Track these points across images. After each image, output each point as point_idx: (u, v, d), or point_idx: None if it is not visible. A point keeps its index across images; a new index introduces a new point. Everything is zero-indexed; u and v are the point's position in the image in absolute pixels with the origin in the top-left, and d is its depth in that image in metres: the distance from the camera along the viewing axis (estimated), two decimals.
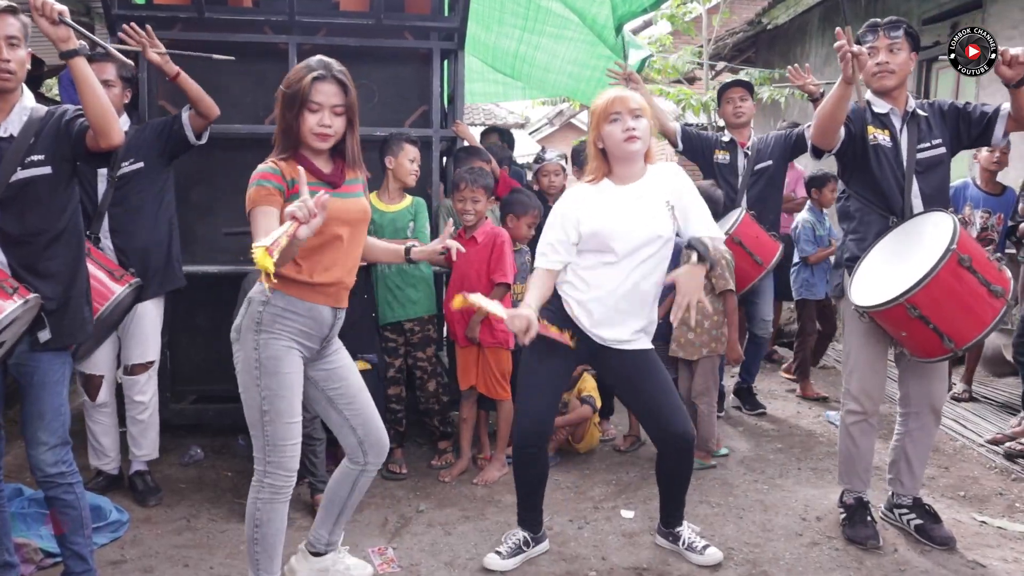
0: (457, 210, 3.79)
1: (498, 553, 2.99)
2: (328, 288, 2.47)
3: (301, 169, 2.30)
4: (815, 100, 4.29)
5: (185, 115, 3.45)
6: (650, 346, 2.94)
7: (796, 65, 4.47)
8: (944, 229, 2.82)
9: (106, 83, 3.29)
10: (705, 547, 3.02)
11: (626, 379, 2.97)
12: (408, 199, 3.87)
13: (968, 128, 3.08)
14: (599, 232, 2.79)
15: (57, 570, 2.77)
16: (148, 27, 3.40)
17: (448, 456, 3.98)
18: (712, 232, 2.84)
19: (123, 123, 3.43)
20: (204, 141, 3.54)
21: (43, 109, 2.50)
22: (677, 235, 2.87)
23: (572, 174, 4.39)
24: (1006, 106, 3.01)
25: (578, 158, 4.28)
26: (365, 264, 3.73)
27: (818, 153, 3.12)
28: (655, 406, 2.91)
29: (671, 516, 3.10)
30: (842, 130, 3.01)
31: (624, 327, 2.87)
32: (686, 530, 3.09)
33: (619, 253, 2.80)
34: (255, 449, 2.49)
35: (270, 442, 2.45)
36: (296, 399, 2.48)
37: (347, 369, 2.67)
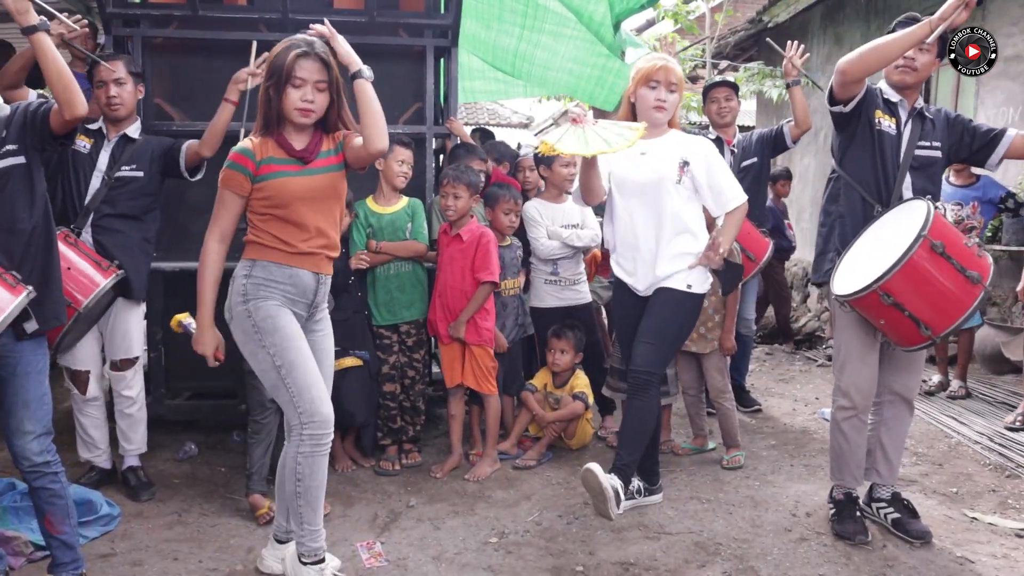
0: (442, 206, 3.80)
1: None
2: (309, 255, 2.58)
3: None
4: (789, 87, 4.38)
5: (183, 146, 3.48)
6: (678, 286, 3.14)
7: (793, 43, 4.41)
8: (917, 215, 2.81)
9: (118, 81, 3.36)
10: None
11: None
12: (404, 200, 3.89)
13: (972, 141, 3.07)
14: (611, 174, 3.23)
15: (48, 563, 2.79)
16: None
17: (415, 455, 3.98)
18: (725, 206, 3.17)
19: (135, 128, 3.49)
20: (198, 178, 3.56)
21: (7, 108, 2.60)
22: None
23: (541, 172, 4.36)
24: (1012, 132, 3.02)
25: (544, 158, 4.25)
26: (366, 267, 3.76)
27: (833, 101, 3.06)
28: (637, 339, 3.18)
29: (621, 462, 3.13)
30: (866, 85, 3.00)
31: (643, 271, 3.17)
32: (634, 484, 3.28)
33: (624, 194, 3.20)
34: (285, 407, 2.55)
35: (296, 392, 2.50)
36: (304, 345, 2.55)
37: (325, 352, 2.74)
